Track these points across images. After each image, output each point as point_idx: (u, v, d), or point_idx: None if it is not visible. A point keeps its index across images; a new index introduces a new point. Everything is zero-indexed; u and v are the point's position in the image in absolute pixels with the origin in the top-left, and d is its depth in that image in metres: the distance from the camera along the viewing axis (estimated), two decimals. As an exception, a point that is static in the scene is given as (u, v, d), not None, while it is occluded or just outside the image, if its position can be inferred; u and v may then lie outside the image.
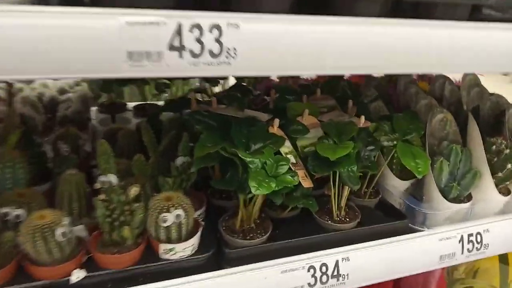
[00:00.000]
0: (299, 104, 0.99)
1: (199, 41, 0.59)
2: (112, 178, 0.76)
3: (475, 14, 0.81)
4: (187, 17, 0.57)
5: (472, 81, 1.50)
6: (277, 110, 1.05)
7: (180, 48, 0.58)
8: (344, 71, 0.67)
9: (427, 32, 0.71)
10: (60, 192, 0.83)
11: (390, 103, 1.42)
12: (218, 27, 0.59)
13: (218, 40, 0.60)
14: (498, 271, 1.36)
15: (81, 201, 0.84)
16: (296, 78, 1.57)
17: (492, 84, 1.53)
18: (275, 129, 0.88)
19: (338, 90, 1.23)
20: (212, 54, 0.60)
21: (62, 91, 1.43)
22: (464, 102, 1.45)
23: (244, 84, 1.26)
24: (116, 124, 1.13)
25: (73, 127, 1.08)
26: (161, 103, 1.56)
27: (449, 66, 0.73)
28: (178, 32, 0.57)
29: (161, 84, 1.43)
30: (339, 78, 1.26)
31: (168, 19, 0.56)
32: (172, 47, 0.57)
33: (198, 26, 0.58)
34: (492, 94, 1.37)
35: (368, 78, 1.56)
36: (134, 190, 0.77)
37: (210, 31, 0.59)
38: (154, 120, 1.08)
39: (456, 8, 0.77)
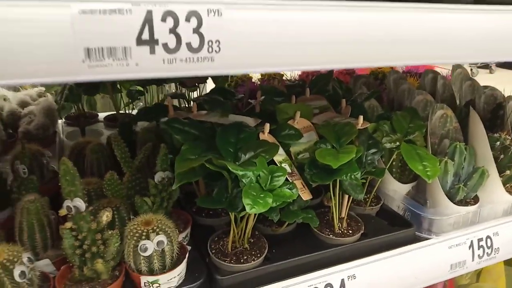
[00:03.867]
0: (289, 105, 0.89)
1: (174, 32, 0.48)
2: (79, 203, 0.64)
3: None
4: (159, 3, 0.46)
5: (463, 74, 1.44)
6: (265, 113, 0.95)
7: (152, 42, 0.47)
8: (352, 64, 0.57)
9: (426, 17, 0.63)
10: (19, 223, 0.70)
11: (381, 101, 1.34)
12: (196, 14, 0.48)
13: (197, 31, 0.49)
14: (502, 273, 1.29)
15: (44, 232, 0.72)
16: (280, 79, 1.47)
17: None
18: (266, 135, 0.78)
19: (328, 89, 1.14)
20: (190, 48, 0.49)
21: (23, 103, 1.29)
22: (457, 98, 1.38)
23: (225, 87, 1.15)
24: (85, 138, 1.00)
25: (34, 144, 0.95)
26: (135, 111, 1.44)
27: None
28: (148, 21, 0.46)
29: (133, 92, 1.31)
30: (329, 76, 1.17)
31: (134, 6, 0.45)
32: (141, 41, 0.47)
33: (173, 14, 0.47)
34: (486, 87, 1.31)
35: (356, 76, 1.48)
36: (106, 216, 0.66)
37: (188, 20, 0.48)
38: (126, 131, 0.96)
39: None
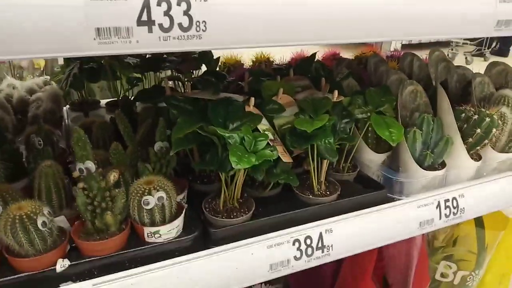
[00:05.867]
0: (273, 83, 1.00)
1: (167, 15, 0.59)
2: (90, 165, 0.75)
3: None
4: (155, -9, 0.57)
5: (439, 56, 1.54)
6: (252, 92, 1.06)
7: (149, 23, 0.58)
8: (323, 40, 0.68)
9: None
10: (38, 185, 0.81)
11: (362, 82, 1.45)
12: (186, 0, 0.59)
13: (187, 13, 0.60)
14: (475, 236, 1.41)
15: (60, 193, 0.83)
16: (269, 63, 1.58)
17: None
18: (251, 107, 0.89)
19: (311, 71, 1.24)
20: (181, 27, 0.60)
21: (31, 91, 1.40)
22: (432, 78, 1.49)
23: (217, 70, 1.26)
24: (90, 118, 1.11)
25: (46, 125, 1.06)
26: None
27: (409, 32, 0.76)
28: (146, 6, 0.57)
29: (132, 79, 1.42)
30: (311, 59, 1.27)
31: (135, -7, 0.56)
32: (141, 22, 0.57)
33: (166, 0, 0.58)
34: (458, 67, 1.42)
35: (339, 59, 1.59)
36: (113, 176, 0.77)
37: (179, 4, 0.59)
38: (127, 111, 1.06)
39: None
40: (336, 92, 0.95)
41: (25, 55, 0.55)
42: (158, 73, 1.60)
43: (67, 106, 1.53)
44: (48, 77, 1.50)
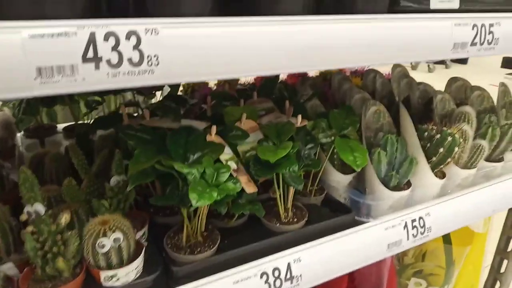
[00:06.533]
0: (236, 108, 0.97)
1: (116, 50, 0.55)
2: (39, 207, 0.69)
3: (394, 6, 0.84)
4: (100, 26, 0.53)
5: (401, 72, 1.57)
6: (215, 117, 1.03)
7: (96, 59, 0.54)
8: (272, 71, 0.66)
9: (348, 27, 0.73)
10: (-19, 230, 0.75)
11: (326, 100, 1.44)
12: (135, 34, 0.56)
13: (137, 48, 0.56)
14: (443, 251, 1.42)
15: (6, 237, 0.76)
16: (233, 84, 1.55)
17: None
18: (213, 136, 0.86)
19: (274, 92, 1.23)
20: (132, 63, 0.56)
21: (-20, 119, 1.31)
22: (395, 93, 1.51)
23: (179, 93, 1.22)
24: (43, 149, 1.05)
25: (-6, 157, 0.99)
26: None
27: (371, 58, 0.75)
28: (92, 42, 0.53)
29: (91, 102, 1.36)
30: (275, 80, 1.26)
31: (79, 29, 0.52)
32: (86, 59, 0.53)
33: (114, 34, 0.54)
34: (420, 83, 1.44)
35: (303, 78, 1.58)
36: (65, 218, 0.71)
37: (128, 38, 0.55)
38: (84, 140, 1.01)
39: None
40: (299, 116, 0.94)
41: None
42: (119, 95, 1.54)
43: (21, 132, 1.45)
44: (0, 103, 1.42)
